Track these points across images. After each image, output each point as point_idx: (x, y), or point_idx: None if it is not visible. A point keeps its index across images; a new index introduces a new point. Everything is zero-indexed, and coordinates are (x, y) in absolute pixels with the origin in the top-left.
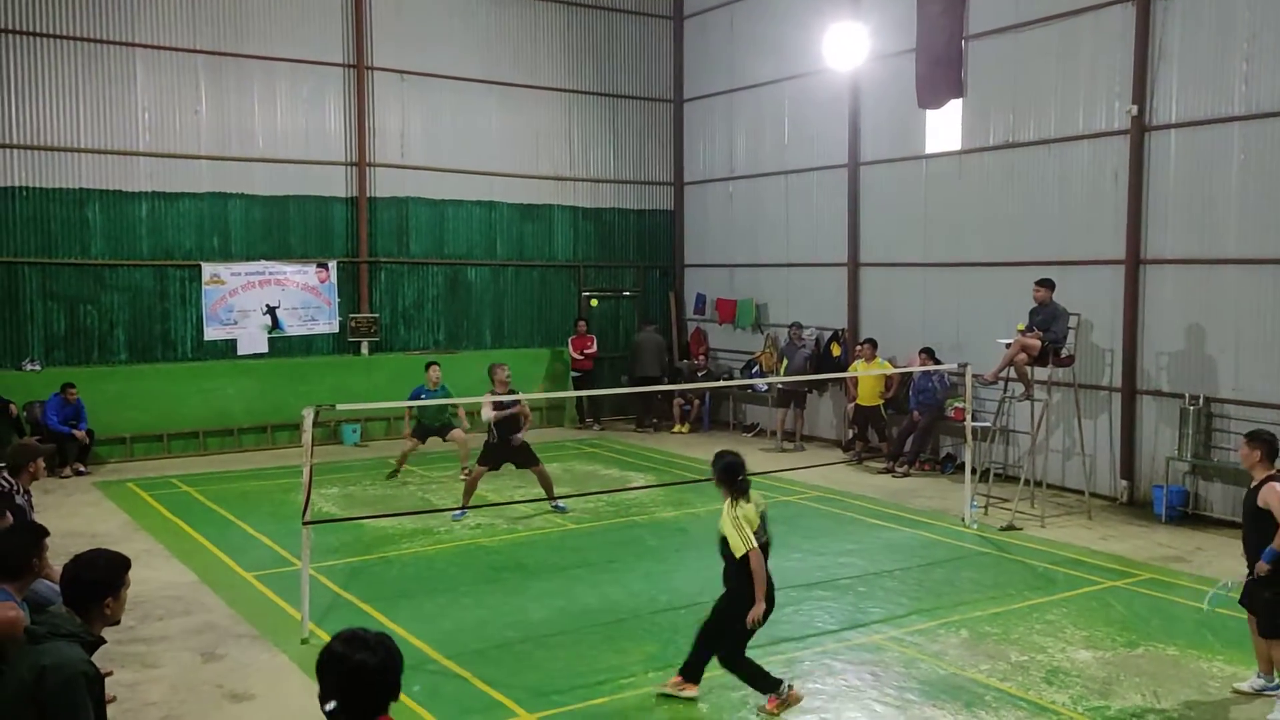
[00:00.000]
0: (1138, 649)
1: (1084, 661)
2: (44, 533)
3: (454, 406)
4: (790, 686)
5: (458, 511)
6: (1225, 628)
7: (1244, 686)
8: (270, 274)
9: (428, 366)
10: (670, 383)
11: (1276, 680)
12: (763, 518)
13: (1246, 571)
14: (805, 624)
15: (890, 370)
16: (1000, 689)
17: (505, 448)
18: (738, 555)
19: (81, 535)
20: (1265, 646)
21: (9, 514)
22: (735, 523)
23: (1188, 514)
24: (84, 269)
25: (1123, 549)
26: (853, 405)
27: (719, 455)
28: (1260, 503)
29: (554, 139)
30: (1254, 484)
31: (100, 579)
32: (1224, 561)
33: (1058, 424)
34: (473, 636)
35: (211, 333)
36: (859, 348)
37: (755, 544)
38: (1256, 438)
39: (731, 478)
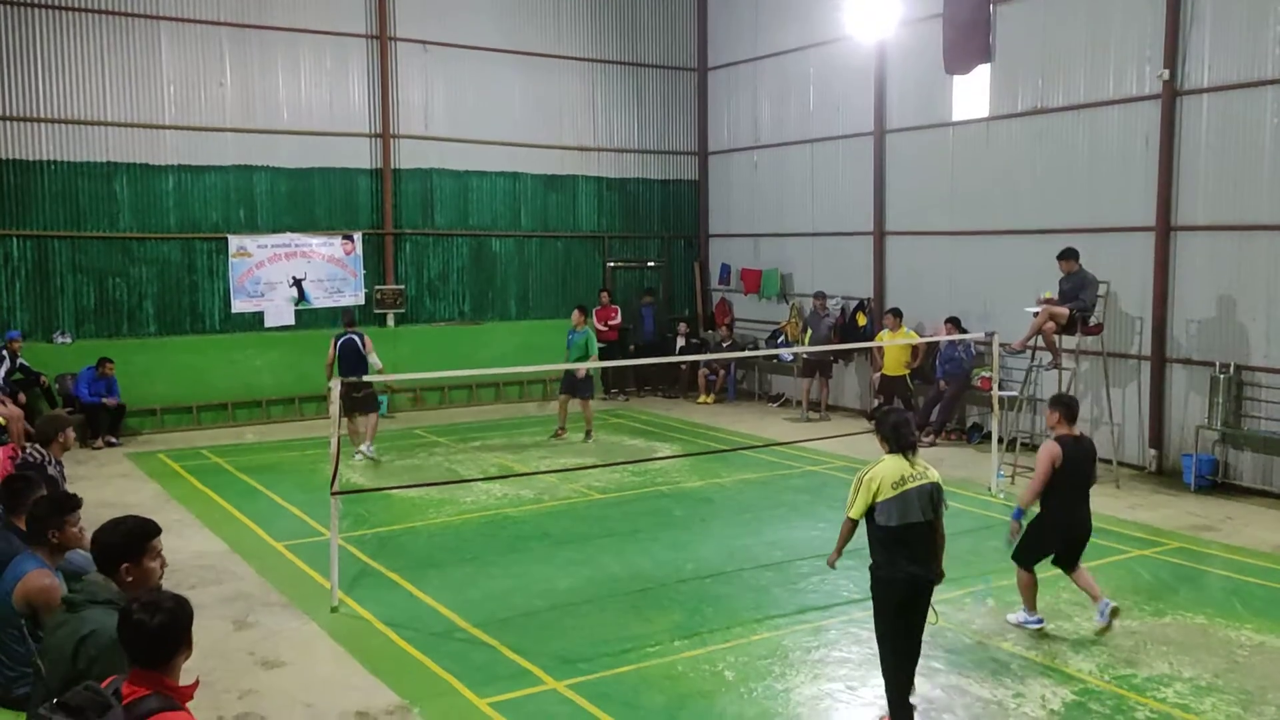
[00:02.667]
0: (1165, 618)
1: (1111, 630)
2: (75, 503)
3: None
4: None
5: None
6: (1254, 596)
7: (1011, 619)
8: (296, 246)
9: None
10: (686, 352)
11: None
12: (914, 491)
13: None
14: (831, 593)
15: (916, 340)
16: (1026, 657)
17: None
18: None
19: (114, 505)
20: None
21: (44, 485)
22: (856, 483)
23: (1217, 483)
24: (112, 242)
25: (1151, 518)
26: (878, 375)
27: (886, 413)
28: None
29: (578, 109)
30: None
31: (120, 543)
32: (1253, 531)
33: (1086, 393)
34: (500, 605)
35: (239, 305)
36: (885, 318)
37: (856, 513)
38: None
39: (881, 433)
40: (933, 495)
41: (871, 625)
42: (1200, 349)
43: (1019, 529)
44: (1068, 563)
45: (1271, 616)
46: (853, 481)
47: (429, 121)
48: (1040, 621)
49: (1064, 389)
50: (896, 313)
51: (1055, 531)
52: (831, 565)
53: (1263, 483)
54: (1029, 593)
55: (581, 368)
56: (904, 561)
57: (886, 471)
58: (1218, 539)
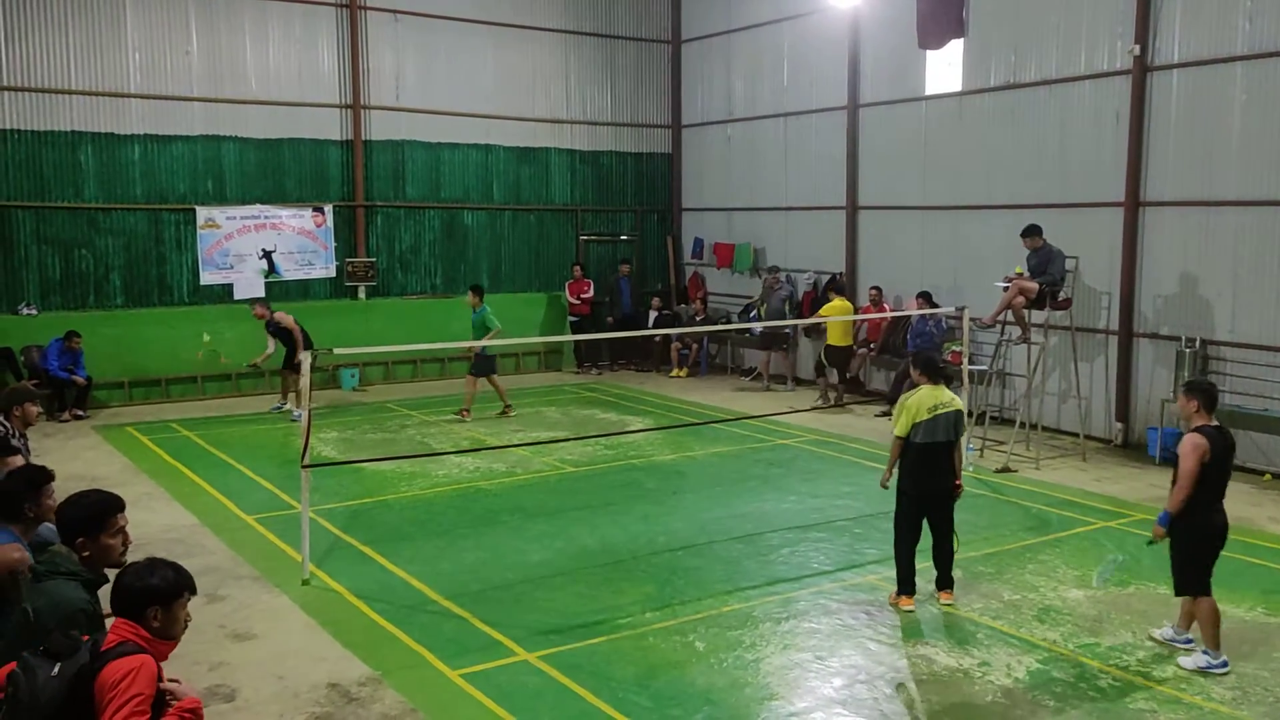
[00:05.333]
0: (1129, 588)
1: (1075, 600)
2: (47, 477)
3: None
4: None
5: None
6: (1216, 568)
7: (1157, 634)
8: (266, 218)
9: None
10: (660, 325)
11: (1189, 636)
12: (943, 416)
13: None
14: (802, 565)
15: (853, 316)
16: (993, 627)
17: None
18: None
19: (82, 478)
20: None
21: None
22: (902, 405)
23: None
24: (78, 213)
25: (1116, 490)
26: (825, 346)
27: (920, 351)
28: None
29: (550, 81)
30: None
31: (80, 516)
32: None
33: (1054, 367)
34: (472, 578)
35: (208, 277)
36: (828, 292)
37: (901, 430)
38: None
39: (919, 368)
40: (956, 421)
41: (841, 596)
42: (1167, 323)
43: (1164, 534)
44: None
45: (1231, 586)
46: (896, 408)
47: (400, 92)
48: (1225, 665)
49: (1033, 363)
50: (839, 288)
51: (1211, 538)
52: (884, 485)
53: None
54: (1212, 626)
55: (478, 345)
56: (925, 476)
57: (924, 398)
58: None
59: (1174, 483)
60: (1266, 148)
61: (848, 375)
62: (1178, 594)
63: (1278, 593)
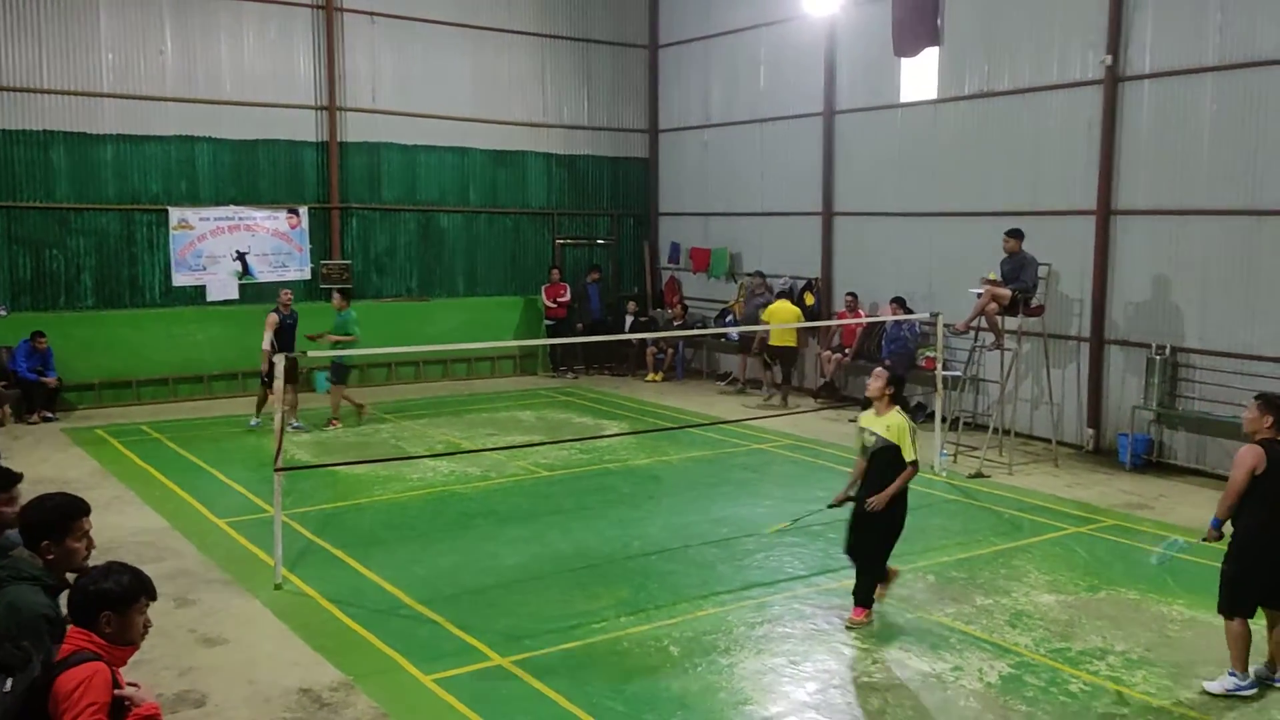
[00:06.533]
0: (1100, 593)
1: (1047, 605)
2: (14, 479)
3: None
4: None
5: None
6: (1185, 572)
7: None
8: (240, 219)
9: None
10: (636, 330)
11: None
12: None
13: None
14: (776, 569)
15: (798, 324)
16: (965, 631)
17: None
18: (908, 460)
19: (51, 481)
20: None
21: None
22: (913, 431)
23: (1152, 462)
24: (49, 212)
25: (1087, 496)
26: (766, 345)
27: (893, 370)
28: None
29: (527, 84)
30: None
31: (44, 520)
32: (1185, 508)
33: (1027, 373)
34: (446, 582)
35: (180, 278)
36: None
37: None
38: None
39: (900, 388)
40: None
41: (815, 600)
42: (1137, 331)
43: (1218, 537)
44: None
45: (1202, 592)
46: (906, 432)
47: (376, 94)
48: (1253, 686)
49: (1006, 369)
50: (782, 293)
51: (1261, 560)
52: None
53: (1195, 462)
54: (1240, 647)
55: (339, 353)
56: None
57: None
58: (1151, 516)
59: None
60: (1236, 158)
61: (790, 376)
62: (1224, 611)
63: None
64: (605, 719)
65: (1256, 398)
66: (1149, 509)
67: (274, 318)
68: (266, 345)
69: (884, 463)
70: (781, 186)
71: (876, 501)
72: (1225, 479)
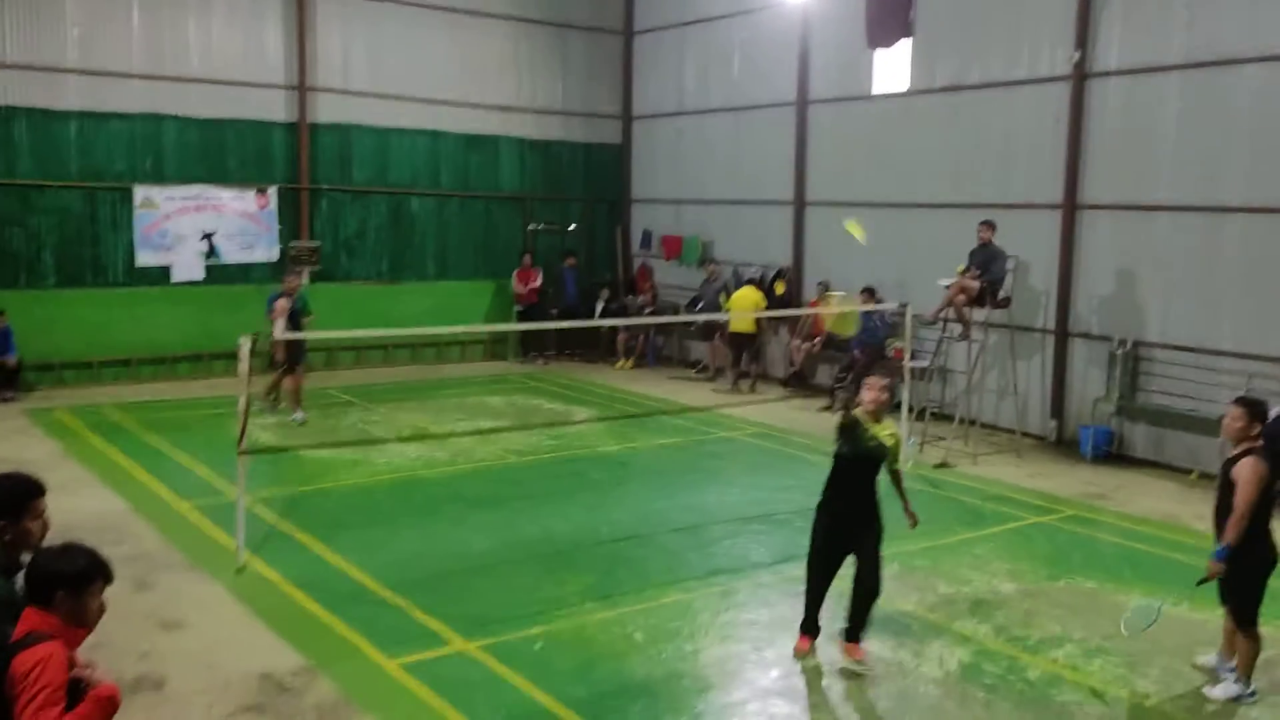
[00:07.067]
0: (1059, 581)
1: (1007, 593)
2: None
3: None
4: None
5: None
6: (1143, 562)
7: (1201, 661)
8: (206, 199)
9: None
10: (607, 316)
11: (1233, 665)
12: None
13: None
14: (741, 556)
15: (760, 310)
16: (927, 619)
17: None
18: (904, 469)
19: (10, 462)
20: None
21: None
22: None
23: (1112, 454)
24: (9, 189)
25: (1049, 486)
26: (729, 333)
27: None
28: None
29: (501, 68)
30: (1233, 453)
31: (0, 500)
32: (1144, 500)
33: (993, 364)
34: (412, 567)
35: (144, 258)
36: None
37: None
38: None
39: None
40: None
41: (780, 588)
42: (1101, 324)
43: (1220, 570)
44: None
45: (1159, 581)
46: (902, 443)
47: (348, 75)
48: (1254, 695)
49: (972, 361)
50: (751, 280)
51: (1266, 566)
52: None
53: (1154, 454)
54: (1251, 657)
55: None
56: None
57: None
58: (1110, 507)
59: (1218, 512)
60: (1199, 155)
61: (750, 362)
62: (1241, 626)
63: (1204, 589)
64: (569, 705)
65: (1237, 401)
66: (1108, 499)
67: (284, 303)
68: (279, 332)
69: (872, 467)
70: (754, 175)
71: (912, 521)
72: (1184, 471)
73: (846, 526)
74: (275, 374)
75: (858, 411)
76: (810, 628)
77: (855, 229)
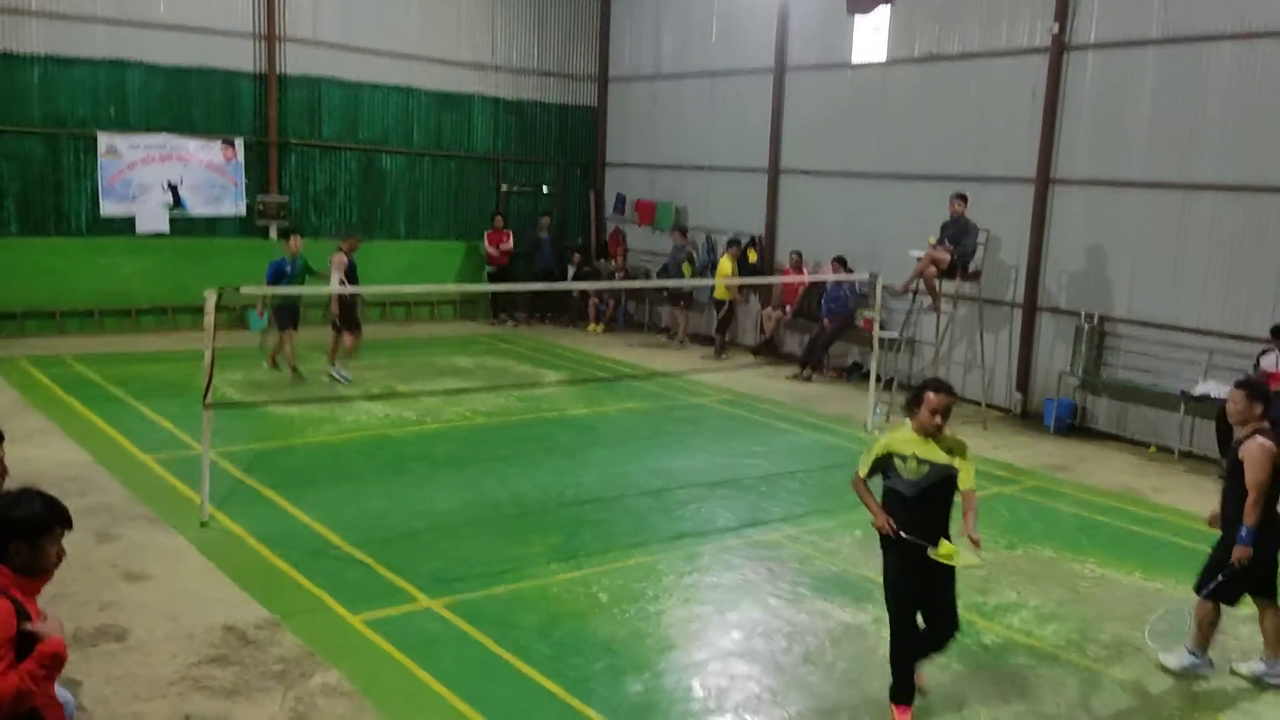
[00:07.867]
0: (1017, 550)
1: (967, 561)
2: None
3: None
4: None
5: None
6: (1099, 532)
7: (1244, 669)
8: (172, 149)
9: (287, 236)
10: (579, 280)
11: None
12: (906, 457)
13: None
14: (707, 521)
15: (734, 278)
16: None
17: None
18: (967, 487)
19: None
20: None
21: None
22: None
23: (1075, 426)
24: None
25: (1012, 457)
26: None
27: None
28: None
29: (476, 24)
30: (1240, 436)
31: None
32: (1104, 472)
33: (961, 337)
34: (377, 524)
35: (108, 207)
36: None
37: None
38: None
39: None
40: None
41: (744, 552)
42: (1069, 299)
43: (1248, 553)
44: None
45: (1113, 551)
46: (967, 453)
47: (318, 25)
48: (1211, 665)
49: (941, 332)
50: (731, 242)
51: (1259, 553)
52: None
53: (1116, 428)
54: (1209, 628)
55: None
56: None
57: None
58: (1070, 478)
59: (1225, 497)
60: (1172, 132)
61: (725, 328)
62: (1212, 596)
63: (1157, 559)
64: (532, 662)
65: (1239, 385)
66: (1069, 471)
67: (341, 258)
68: (335, 288)
69: (938, 497)
70: (729, 142)
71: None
72: (1143, 445)
73: (920, 564)
74: (333, 336)
75: (901, 434)
76: (905, 695)
77: (954, 556)
